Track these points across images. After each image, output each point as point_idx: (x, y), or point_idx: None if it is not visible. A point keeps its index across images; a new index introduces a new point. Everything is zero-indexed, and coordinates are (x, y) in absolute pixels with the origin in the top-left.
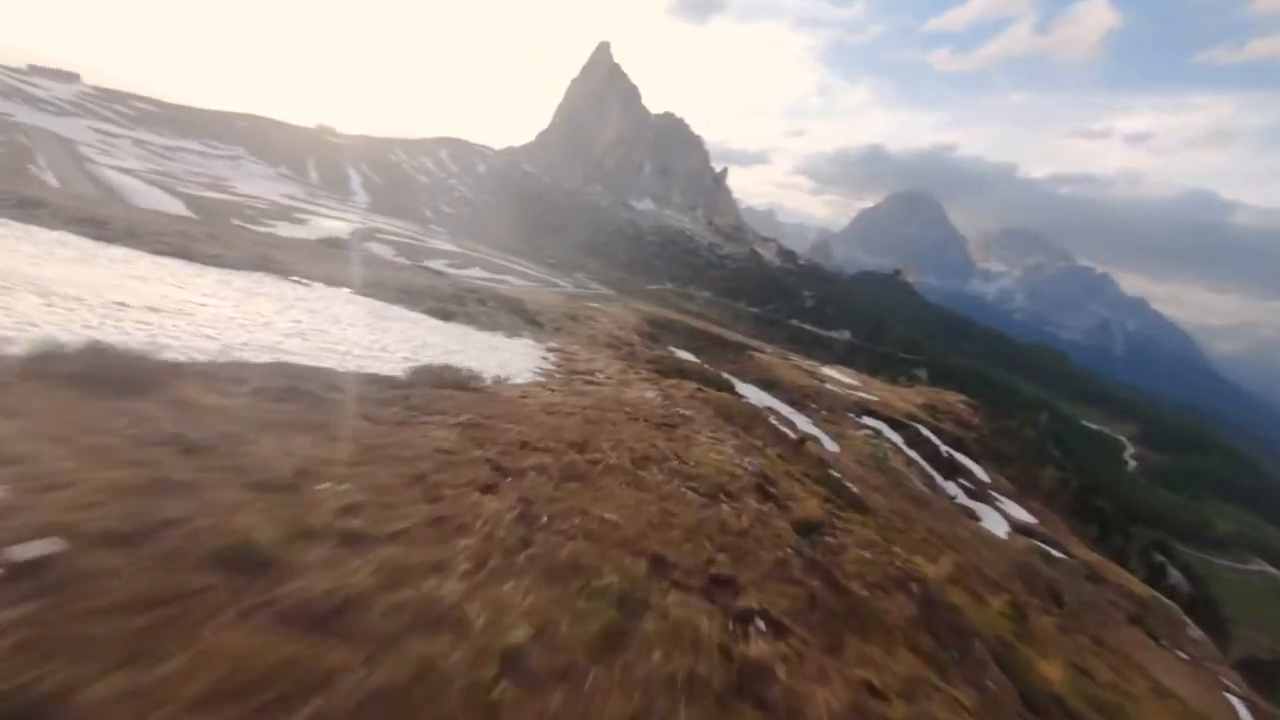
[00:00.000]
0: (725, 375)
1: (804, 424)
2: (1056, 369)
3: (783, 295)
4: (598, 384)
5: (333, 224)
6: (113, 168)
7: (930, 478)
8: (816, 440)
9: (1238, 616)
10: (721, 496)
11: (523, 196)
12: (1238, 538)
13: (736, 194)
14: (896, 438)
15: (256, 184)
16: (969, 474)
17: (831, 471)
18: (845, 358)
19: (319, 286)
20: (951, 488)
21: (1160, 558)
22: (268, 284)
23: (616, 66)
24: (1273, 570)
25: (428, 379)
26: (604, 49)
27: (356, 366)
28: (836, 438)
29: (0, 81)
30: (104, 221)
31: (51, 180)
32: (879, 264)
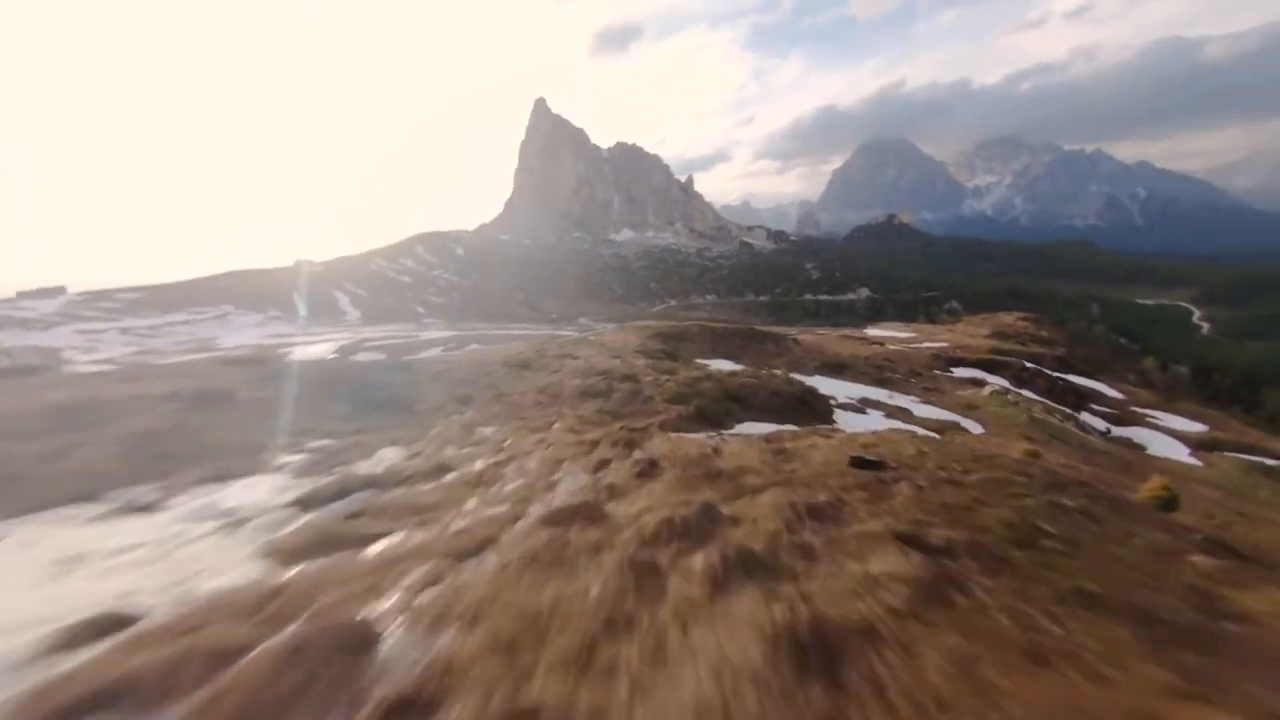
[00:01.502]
0: (780, 371)
1: (910, 404)
2: (1086, 258)
3: (786, 275)
4: None
5: (316, 349)
6: (92, 362)
7: (1069, 415)
8: (958, 426)
9: None
10: None
11: (507, 264)
12: None
13: (709, 197)
14: (1001, 381)
15: (244, 334)
16: (1100, 397)
17: None
18: (871, 315)
19: None
20: (1092, 420)
21: None
22: None
23: (558, 117)
24: None
25: None
26: (541, 105)
27: None
28: (965, 410)
29: None
30: None
31: None
32: (869, 217)
